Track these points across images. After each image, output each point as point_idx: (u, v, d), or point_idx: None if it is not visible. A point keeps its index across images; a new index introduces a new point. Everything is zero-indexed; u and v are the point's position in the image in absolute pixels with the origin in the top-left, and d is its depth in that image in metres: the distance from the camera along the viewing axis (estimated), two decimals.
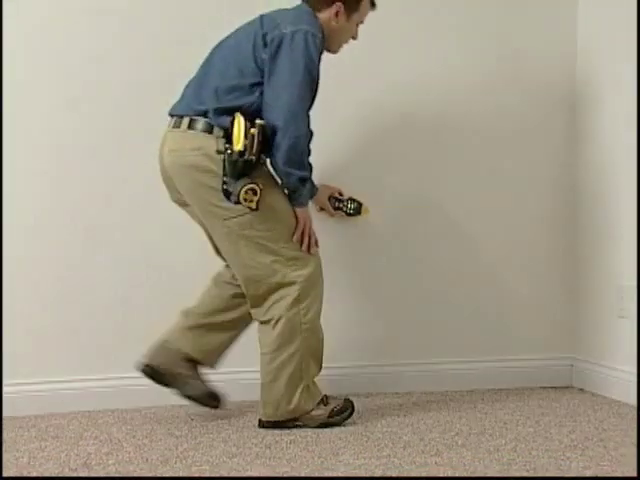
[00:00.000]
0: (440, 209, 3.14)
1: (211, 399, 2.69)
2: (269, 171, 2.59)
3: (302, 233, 2.57)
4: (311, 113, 2.53)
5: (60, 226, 2.87)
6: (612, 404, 2.93)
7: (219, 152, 2.46)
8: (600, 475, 2.18)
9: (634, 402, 2.89)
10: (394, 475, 2.18)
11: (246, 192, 2.41)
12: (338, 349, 2.92)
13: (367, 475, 2.19)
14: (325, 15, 2.60)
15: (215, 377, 2.97)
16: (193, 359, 2.67)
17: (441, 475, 2.18)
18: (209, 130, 2.50)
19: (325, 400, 2.63)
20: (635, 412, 2.81)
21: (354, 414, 2.66)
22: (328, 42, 2.62)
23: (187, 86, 2.63)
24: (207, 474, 2.20)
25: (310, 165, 2.58)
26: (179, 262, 2.94)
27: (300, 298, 2.56)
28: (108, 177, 2.89)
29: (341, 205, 2.99)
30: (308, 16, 2.57)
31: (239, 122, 2.42)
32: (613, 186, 3.06)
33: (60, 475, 2.19)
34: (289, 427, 2.59)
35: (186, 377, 2.65)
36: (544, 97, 3.20)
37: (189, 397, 2.67)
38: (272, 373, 2.58)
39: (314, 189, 2.69)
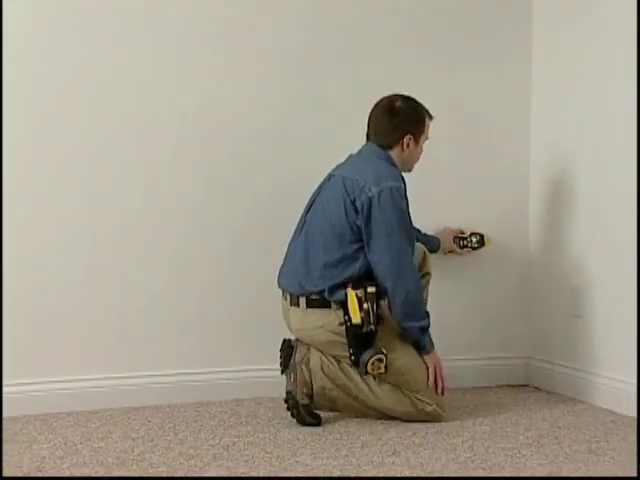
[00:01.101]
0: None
1: None
2: (391, 325, 2.67)
3: (435, 377, 2.68)
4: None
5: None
6: (567, 402, 2.96)
7: (341, 324, 2.60)
8: (555, 475, 2.20)
9: (588, 399, 2.93)
10: (352, 475, 2.19)
11: (372, 363, 2.56)
12: None
13: (325, 475, 2.19)
14: (397, 150, 2.73)
15: (166, 380, 2.95)
16: None
17: (398, 475, 2.19)
18: (327, 306, 2.63)
19: (311, 399, 2.65)
20: (588, 408, 2.85)
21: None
22: (403, 167, 2.75)
23: (290, 258, 2.74)
24: (164, 476, 2.18)
25: (427, 313, 2.70)
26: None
27: (424, 412, 2.66)
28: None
29: (466, 242, 3.13)
30: (386, 169, 2.68)
31: (352, 298, 2.56)
32: (567, 187, 3.10)
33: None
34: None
35: None
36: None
37: None
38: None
39: (437, 242, 3.03)
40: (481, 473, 2.19)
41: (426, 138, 2.79)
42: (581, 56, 3.02)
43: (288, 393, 2.65)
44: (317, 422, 2.64)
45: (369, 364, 2.56)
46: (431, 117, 2.79)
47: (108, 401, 2.84)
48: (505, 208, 3.25)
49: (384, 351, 2.57)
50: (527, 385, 3.24)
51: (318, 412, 2.66)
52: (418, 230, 2.97)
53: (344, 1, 3.09)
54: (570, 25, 3.08)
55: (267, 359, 2.94)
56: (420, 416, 2.66)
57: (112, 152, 2.88)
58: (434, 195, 3.13)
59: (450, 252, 3.12)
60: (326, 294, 2.62)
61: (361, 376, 2.64)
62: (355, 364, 2.61)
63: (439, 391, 2.67)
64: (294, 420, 2.66)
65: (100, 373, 2.86)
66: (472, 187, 3.21)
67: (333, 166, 2.79)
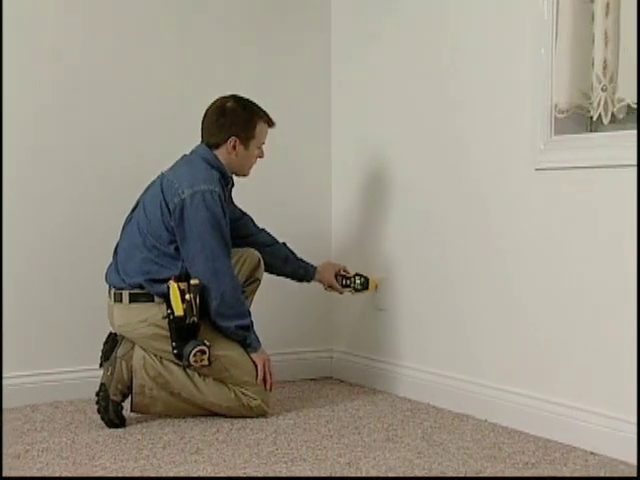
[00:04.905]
0: None
1: None
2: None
3: (264, 374, 2.68)
4: None
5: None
6: (368, 393, 3.05)
7: (164, 317, 2.57)
8: (353, 464, 2.26)
9: (388, 389, 3.04)
10: (152, 475, 2.14)
11: (195, 355, 2.53)
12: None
13: (125, 475, 2.13)
14: (223, 150, 2.70)
15: None
16: None
17: (200, 473, 2.16)
18: (151, 300, 2.60)
19: (124, 397, 2.62)
20: (387, 398, 2.95)
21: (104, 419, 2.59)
22: (235, 170, 2.74)
23: (115, 253, 2.70)
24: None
25: (249, 311, 2.69)
26: None
27: (249, 407, 2.66)
28: None
29: (349, 282, 3.03)
30: (203, 172, 2.64)
31: (174, 290, 2.53)
32: (374, 181, 3.19)
33: None
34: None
35: None
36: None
37: None
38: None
39: (311, 271, 2.99)
40: (283, 467, 2.21)
41: (261, 143, 2.75)
42: (380, 49, 3.12)
43: (101, 386, 2.58)
44: (121, 424, 2.57)
45: (191, 356, 2.53)
46: (271, 123, 2.75)
47: None
48: (306, 203, 3.29)
49: (207, 343, 2.56)
50: (330, 378, 3.31)
51: (125, 416, 2.59)
52: (293, 253, 2.98)
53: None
54: (366, 20, 3.18)
55: (64, 361, 2.83)
56: (244, 411, 2.66)
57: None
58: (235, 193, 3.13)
59: (330, 288, 3.06)
60: (147, 287, 2.59)
61: (185, 372, 2.61)
62: (178, 357, 2.58)
63: (267, 387, 2.69)
64: (94, 423, 2.57)
65: None
66: (274, 182, 3.23)
67: (164, 164, 2.75)
